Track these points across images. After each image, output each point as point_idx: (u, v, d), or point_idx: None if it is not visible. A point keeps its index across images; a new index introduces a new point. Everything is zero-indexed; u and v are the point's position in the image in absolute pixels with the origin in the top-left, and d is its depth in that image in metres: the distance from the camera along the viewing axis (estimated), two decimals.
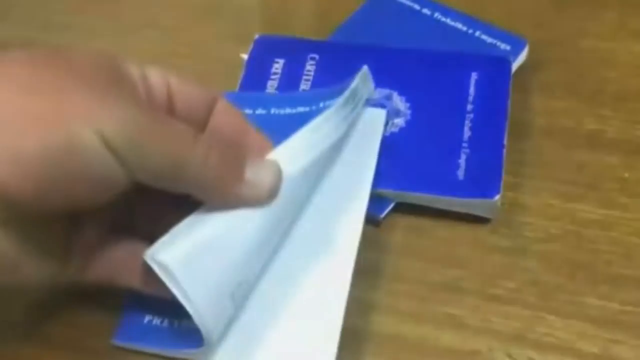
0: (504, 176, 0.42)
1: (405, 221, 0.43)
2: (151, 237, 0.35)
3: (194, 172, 0.34)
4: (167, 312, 0.38)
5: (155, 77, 0.36)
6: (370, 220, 0.42)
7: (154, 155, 0.32)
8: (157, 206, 0.37)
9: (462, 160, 0.43)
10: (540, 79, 0.48)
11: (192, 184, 0.34)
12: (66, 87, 0.31)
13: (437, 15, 0.50)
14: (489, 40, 0.49)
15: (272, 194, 0.36)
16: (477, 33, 0.49)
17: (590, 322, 0.39)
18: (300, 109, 0.44)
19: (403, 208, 0.43)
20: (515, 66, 0.48)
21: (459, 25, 0.50)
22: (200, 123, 0.37)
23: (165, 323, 0.38)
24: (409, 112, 0.45)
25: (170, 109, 0.36)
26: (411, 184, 0.42)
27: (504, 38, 0.49)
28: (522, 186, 0.44)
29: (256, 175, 0.35)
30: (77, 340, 0.39)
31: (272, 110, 0.45)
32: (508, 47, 0.48)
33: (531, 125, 0.46)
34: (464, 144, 0.43)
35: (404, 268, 0.41)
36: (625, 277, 0.40)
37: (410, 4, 0.51)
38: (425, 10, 0.51)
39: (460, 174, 0.42)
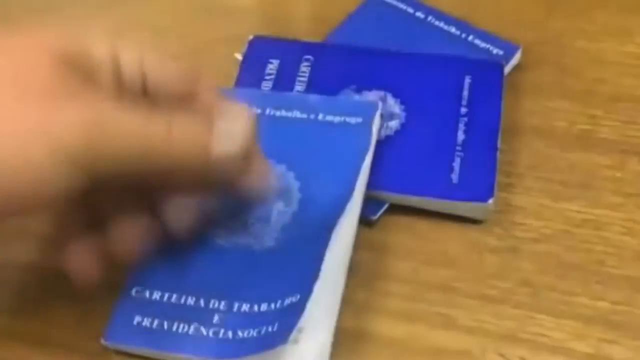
0: (497, 177, 0.43)
1: (398, 222, 0.43)
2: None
3: (160, 154, 0.33)
4: (157, 314, 0.38)
5: (128, 55, 0.35)
6: (364, 221, 0.42)
7: (113, 155, 0.32)
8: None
9: (456, 164, 0.43)
10: (533, 80, 0.48)
11: (165, 165, 0.34)
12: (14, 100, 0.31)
13: (430, 19, 0.51)
14: (482, 45, 0.49)
15: (244, 141, 0.35)
16: (471, 37, 0.49)
17: (583, 321, 0.39)
18: (297, 114, 0.45)
19: (397, 209, 0.43)
20: (508, 68, 0.48)
21: (453, 30, 0.50)
22: (176, 101, 0.36)
23: (155, 324, 0.38)
24: (403, 114, 0.45)
25: (143, 86, 0.36)
26: (405, 187, 0.43)
27: (497, 43, 0.49)
28: (514, 186, 0.44)
29: (226, 129, 0.35)
30: (68, 340, 0.39)
31: (267, 110, 0.45)
32: (501, 52, 0.49)
33: (523, 125, 0.46)
34: (458, 147, 0.44)
35: (397, 268, 0.41)
36: (617, 276, 0.40)
37: (404, 7, 0.51)
38: (419, 14, 0.51)
39: (454, 177, 0.43)
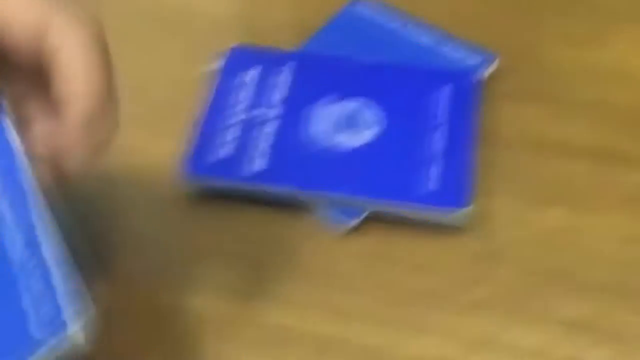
0: (474, 184, 0.43)
1: (377, 229, 0.43)
2: None
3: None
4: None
5: None
6: (343, 228, 0.42)
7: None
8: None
9: (433, 171, 0.43)
10: (509, 88, 0.49)
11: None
12: None
13: (407, 29, 0.51)
14: (459, 54, 0.50)
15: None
16: (447, 47, 0.50)
17: (560, 328, 0.39)
18: None
19: (375, 217, 0.43)
20: (484, 76, 0.49)
21: (429, 40, 0.50)
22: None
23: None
24: (383, 122, 0.46)
25: None
26: (383, 193, 0.43)
27: (474, 52, 0.49)
28: (492, 194, 0.44)
29: None
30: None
31: None
32: (477, 61, 0.49)
33: (501, 133, 0.47)
34: (435, 155, 0.44)
35: (376, 275, 0.41)
36: (594, 282, 0.41)
37: (381, 17, 0.51)
38: (396, 25, 0.51)
39: (432, 184, 0.43)
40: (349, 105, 0.47)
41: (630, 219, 0.43)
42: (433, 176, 0.43)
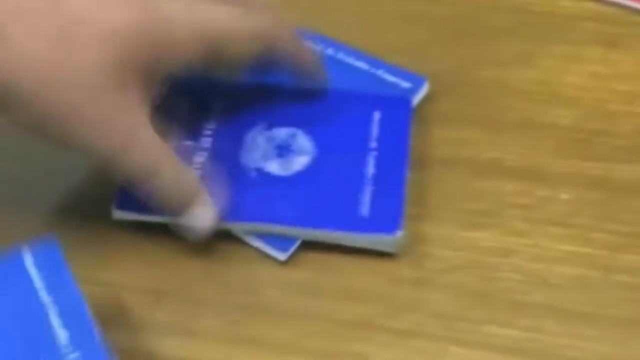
0: (406, 208, 0.43)
1: (310, 258, 0.43)
2: None
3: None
4: None
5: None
6: (275, 258, 0.42)
7: None
8: None
9: (364, 197, 0.43)
10: (440, 110, 0.49)
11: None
12: None
13: (340, 55, 0.51)
14: (391, 79, 0.50)
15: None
16: (380, 72, 0.50)
17: (493, 350, 0.39)
18: None
19: (308, 246, 0.43)
20: (416, 100, 0.49)
21: (362, 65, 0.50)
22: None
23: None
24: (314, 150, 0.46)
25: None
26: (315, 221, 0.43)
27: (405, 76, 0.50)
28: (424, 217, 0.44)
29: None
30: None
31: None
32: (409, 85, 0.49)
33: (432, 156, 0.47)
34: (367, 181, 0.44)
35: (311, 306, 0.41)
36: (525, 303, 0.41)
37: (314, 44, 0.51)
38: (330, 51, 0.51)
39: (364, 210, 0.43)
40: (281, 134, 0.46)
41: (561, 239, 0.43)
42: (364, 202, 0.43)
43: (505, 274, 0.42)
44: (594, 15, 0.54)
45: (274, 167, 0.45)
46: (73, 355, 0.34)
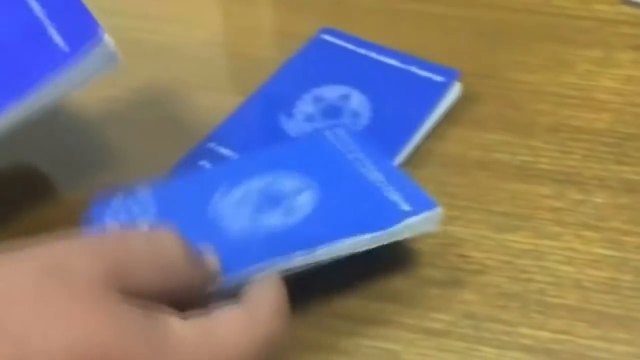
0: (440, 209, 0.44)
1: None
2: None
3: None
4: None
5: None
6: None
7: None
8: None
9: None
10: (474, 113, 0.50)
11: None
12: None
13: (373, 54, 0.52)
14: (423, 73, 0.50)
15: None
16: (412, 68, 0.51)
17: (524, 351, 0.39)
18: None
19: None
20: (449, 100, 0.49)
21: (394, 62, 0.51)
22: None
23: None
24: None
25: None
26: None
27: (437, 70, 0.50)
28: (456, 219, 0.45)
29: None
30: None
31: None
32: (441, 79, 0.50)
33: (465, 158, 0.47)
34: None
35: (339, 304, 0.42)
36: (556, 305, 0.41)
37: (347, 45, 0.52)
38: (362, 51, 0.52)
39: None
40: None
41: (594, 243, 0.43)
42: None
43: (537, 276, 0.42)
44: (628, 19, 0.54)
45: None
46: (389, 188, 0.42)
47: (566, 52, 0.53)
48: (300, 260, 0.40)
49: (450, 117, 0.49)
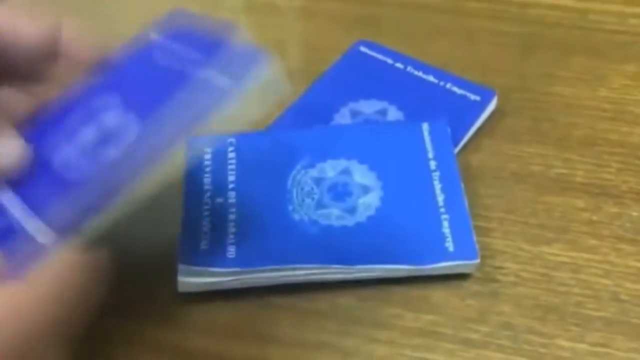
0: (476, 222, 0.44)
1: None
2: None
3: None
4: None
5: None
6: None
7: None
8: None
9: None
10: (509, 126, 0.50)
11: None
12: None
13: (409, 69, 0.52)
14: (460, 91, 0.50)
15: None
16: (448, 85, 0.51)
17: None
18: None
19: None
20: (485, 114, 0.50)
21: (431, 78, 0.51)
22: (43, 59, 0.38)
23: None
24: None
25: None
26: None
27: (474, 89, 0.50)
28: (493, 231, 0.45)
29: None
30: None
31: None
32: (478, 98, 0.50)
33: (501, 170, 0.48)
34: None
35: (380, 315, 0.42)
36: (594, 318, 0.41)
37: (384, 58, 0.53)
38: (399, 65, 0.52)
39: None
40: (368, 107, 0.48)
41: (631, 256, 0.44)
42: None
43: (574, 289, 0.42)
44: None
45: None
46: (445, 217, 0.43)
47: (601, 66, 0.53)
48: (336, 270, 0.41)
49: (485, 129, 0.49)
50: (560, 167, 0.48)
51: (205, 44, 0.36)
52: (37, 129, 0.37)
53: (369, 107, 0.50)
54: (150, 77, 0.37)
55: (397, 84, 0.51)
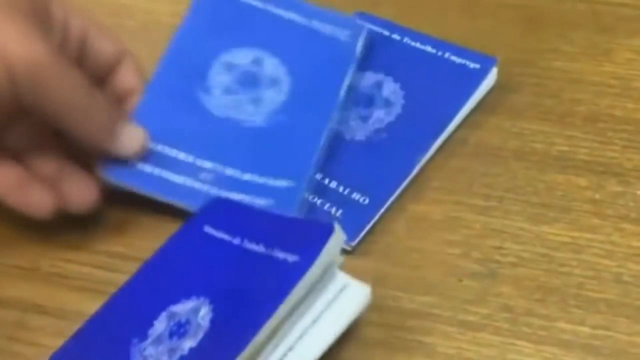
0: (476, 201, 0.43)
1: (376, 248, 0.43)
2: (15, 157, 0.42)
3: (77, 120, 0.41)
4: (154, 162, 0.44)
5: (76, 27, 0.43)
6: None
7: (47, 93, 0.39)
8: (35, 131, 0.42)
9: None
10: (511, 102, 0.48)
11: (73, 129, 0.41)
12: None
13: (406, 40, 0.51)
14: (459, 60, 0.49)
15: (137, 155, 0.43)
16: (447, 54, 0.49)
17: (562, 347, 0.39)
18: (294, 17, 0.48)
19: (374, 235, 0.43)
20: (485, 88, 0.48)
21: (429, 48, 0.50)
22: (105, 73, 0.45)
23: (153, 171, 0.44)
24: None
25: (81, 56, 0.43)
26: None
27: (473, 57, 0.49)
28: (493, 210, 0.44)
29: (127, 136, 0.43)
30: None
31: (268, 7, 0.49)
32: (477, 66, 0.49)
33: (502, 147, 0.46)
34: None
35: (375, 296, 0.41)
36: (595, 300, 0.40)
37: (382, 30, 0.51)
38: (395, 36, 0.51)
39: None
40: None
41: (634, 236, 0.42)
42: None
43: (576, 270, 0.41)
44: None
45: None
46: None
47: (606, 40, 0.51)
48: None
49: (486, 105, 0.48)
50: (562, 144, 0.46)
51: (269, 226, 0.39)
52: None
53: (366, 79, 0.49)
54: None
55: (393, 56, 0.50)
